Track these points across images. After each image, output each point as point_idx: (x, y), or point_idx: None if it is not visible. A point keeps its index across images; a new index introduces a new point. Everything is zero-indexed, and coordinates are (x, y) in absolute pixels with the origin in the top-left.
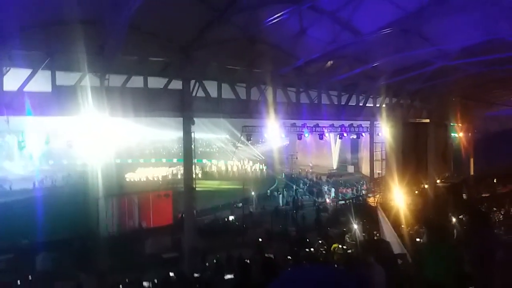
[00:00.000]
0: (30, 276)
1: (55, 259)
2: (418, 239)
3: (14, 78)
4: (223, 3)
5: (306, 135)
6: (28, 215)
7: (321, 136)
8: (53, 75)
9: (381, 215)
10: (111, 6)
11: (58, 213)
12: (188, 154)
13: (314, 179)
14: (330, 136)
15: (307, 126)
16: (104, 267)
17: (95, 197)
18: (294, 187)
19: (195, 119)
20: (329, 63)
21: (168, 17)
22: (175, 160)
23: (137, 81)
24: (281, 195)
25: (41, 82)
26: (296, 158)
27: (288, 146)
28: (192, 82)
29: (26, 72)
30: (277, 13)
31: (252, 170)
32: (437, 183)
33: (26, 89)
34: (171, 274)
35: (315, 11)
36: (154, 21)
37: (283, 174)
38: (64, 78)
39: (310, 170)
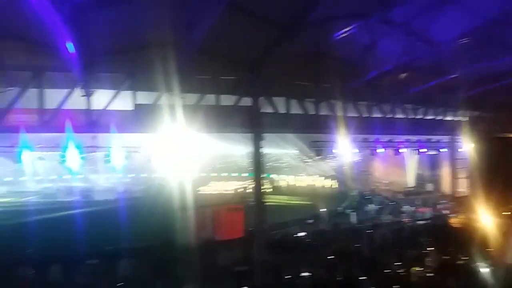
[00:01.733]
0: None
1: (135, 266)
2: None
3: (99, 99)
4: (289, 20)
5: (380, 150)
6: (111, 224)
7: (396, 152)
8: (134, 95)
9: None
10: (185, 29)
11: (138, 222)
12: (257, 169)
13: (390, 197)
14: (406, 152)
15: (380, 141)
16: (180, 276)
17: (171, 208)
18: (368, 205)
19: (264, 134)
20: (403, 75)
21: (236, 38)
22: (246, 175)
23: (210, 99)
24: (354, 213)
25: (123, 102)
26: (369, 175)
27: (361, 162)
28: (261, 98)
29: (110, 93)
30: (346, 28)
31: (323, 186)
32: None
33: (110, 108)
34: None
35: (386, 24)
36: (223, 42)
37: (356, 191)
38: (144, 98)
39: (385, 188)
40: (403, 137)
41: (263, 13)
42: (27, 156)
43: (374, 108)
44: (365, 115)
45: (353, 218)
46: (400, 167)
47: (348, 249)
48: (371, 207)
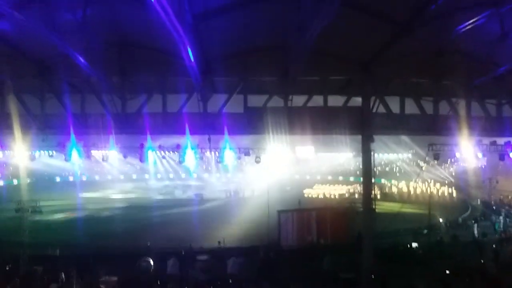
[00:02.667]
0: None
1: (242, 264)
2: None
3: (214, 103)
4: (406, 15)
5: (511, 155)
6: (220, 222)
7: None
8: (245, 98)
9: None
10: (295, 30)
11: (245, 222)
12: (367, 173)
13: None
14: None
15: (511, 145)
16: (284, 278)
17: (277, 209)
18: (494, 216)
19: (374, 136)
20: None
21: (347, 37)
22: (352, 179)
23: (317, 100)
24: (476, 225)
25: (235, 105)
26: (497, 182)
27: (486, 167)
28: (373, 98)
29: (224, 96)
30: (471, 19)
31: (440, 193)
32: None
33: (224, 111)
34: None
35: None
36: (334, 41)
37: (479, 200)
38: (255, 101)
39: None
40: None
41: (377, 9)
42: (151, 156)
43: (504, 107)
44: (494, 114)
45: (476, 230)
46: None
47: (468, 265)
48: (498, 219)
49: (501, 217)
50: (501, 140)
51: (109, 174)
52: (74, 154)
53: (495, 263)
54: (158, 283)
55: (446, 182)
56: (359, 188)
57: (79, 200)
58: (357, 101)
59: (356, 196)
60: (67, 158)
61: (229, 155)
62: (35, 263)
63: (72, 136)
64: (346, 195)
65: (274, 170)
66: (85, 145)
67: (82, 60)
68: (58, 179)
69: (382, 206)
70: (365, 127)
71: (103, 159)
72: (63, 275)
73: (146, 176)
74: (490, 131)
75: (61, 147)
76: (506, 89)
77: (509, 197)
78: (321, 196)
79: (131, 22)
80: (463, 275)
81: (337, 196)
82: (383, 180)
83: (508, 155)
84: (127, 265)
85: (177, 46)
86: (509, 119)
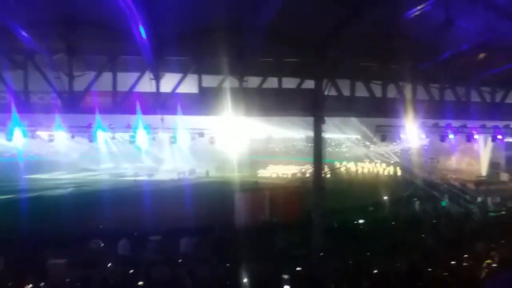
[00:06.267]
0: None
1: (196, 244)
2: None
3: (167, 82)
4: None
5: (451, 136)
6: (173, 203)
7: (469, 138)
8: (200, 78)
9: None
10: (250, 12)
11: (200, 202)
12: (318, 153)
13: (459, 187)
14: (479, 139)
15: (451, 127)
16: (236, 256)
17: (232, 190)
18: (435, 193)
19: (326, 118)
20: (481, 55)
21: (301, 18)
22: (304, 159)
23: (272, 82)
24: (418, 202)
25: (189, 85)
26: (438, 162)
27: (428, 148)
28: (325, 81)
29: (177, 76)
30: (419, 5)
31: (386, 173)
32: None
33: (177, 91)
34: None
35: None
36: (288, 23)
37: (422, 179)
38: (209, 81)
39: (454, 176)
40: (477, 123)
41: None
42: (101, 136)
43: (446, 91)
44: (437, 98)
45: (417, 207)
46: (473, 155)
47: (410, 239)
48: (438, 196)
49: (440, 194)
50: (442, 122)
51: (57, 155)
52: (17, 133)
53: (434, 237)
54: (108, 265)
55: (392, 162)
56: (310, 168)
57: (23, 182)
58: (310, 83)
59: (308, 175)
60: (9, 138)
61: (183, 136)
62: None
63: (14, 114)
64: (298, 174)
65: (229, 151)
66: (30, 124)
67: (25, 35)
68: None
69: (332, 186)
70: (316, 109)
71: (49, 140)
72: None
73: (96, 157)
74: (433, 113)
75: (1, 125)
76: (448, 74)
77: (448, 175)
78: (274, 176)
79: None
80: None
81: (290, 176)
82: (333, 161)
83: (448, 136)
84: (76, 247)
85: (129, 23)
86: (450, 103)
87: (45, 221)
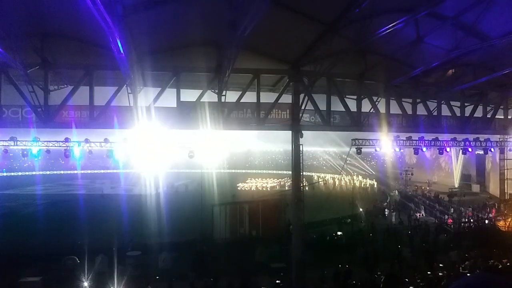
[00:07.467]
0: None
1: (174, 259)
2: None
3: (145, 96)
4: (331, 16)
5: (424, 149)
6: (152, 217)
7: (441, 151)
8: (178, 92)
9: None
10: (228, 28)
11: (178, 217)
12: (296, 166)
13: (433, 198)
14: (451, 151)
15: (424, 140)
16: (214, 271)
17: (210, 204)
18: (410, 205)
19: (303, 132)
20: (450, 71)
21: (277, 36)
22: (282, 172)
23: (250, 96)
24: (394, 213)
25: (167, 99)
26: (412, 174)
27: (403, 161)
28: (302, 95)
29: (155, 90)
30: (391, 23)
31: (362, 185)
32: None
33: (156, 105)
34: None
35: (433, 18)
36: (265, 39)
37: (396, 191)
38: (187, 95)
39: (428, 188)
40: (449, 136)
41: (306, 10)
42: (76, 150)
43: (418, 105)
44: (409, 112)
45: (393, 218)
46: (445, 167)
47: (387, 250)
48: (412, 207)
49: (414, 205)
50: (415, 136)
51: (32, 169)
52: None
53: (409, 248)
54: (84, 281)
55: (368, 174)
56: (289, 181)
57: None
58: (288, 97)
59: (286, 188)
60: None
61: (163, 150)
62: None
63: None
64: (277, 187)
65: (208, 164)
66: (1, 139)
67: None
68: None
69: (310, 198)
70: (294, 123)
71: (23, 154)
72: None
73: (73, 171)
74: (406, 127)
75: None
76: (420, 89)
77: (422, 187)
78: (253, 188)
79: (55, 11)
80: (381, 259)
81: (269, 189)
82: (311, 173)
83: (422, 149)
84: (52, 264)
85: (106, 37)
86: (422, 117)
87: (19, 236)
